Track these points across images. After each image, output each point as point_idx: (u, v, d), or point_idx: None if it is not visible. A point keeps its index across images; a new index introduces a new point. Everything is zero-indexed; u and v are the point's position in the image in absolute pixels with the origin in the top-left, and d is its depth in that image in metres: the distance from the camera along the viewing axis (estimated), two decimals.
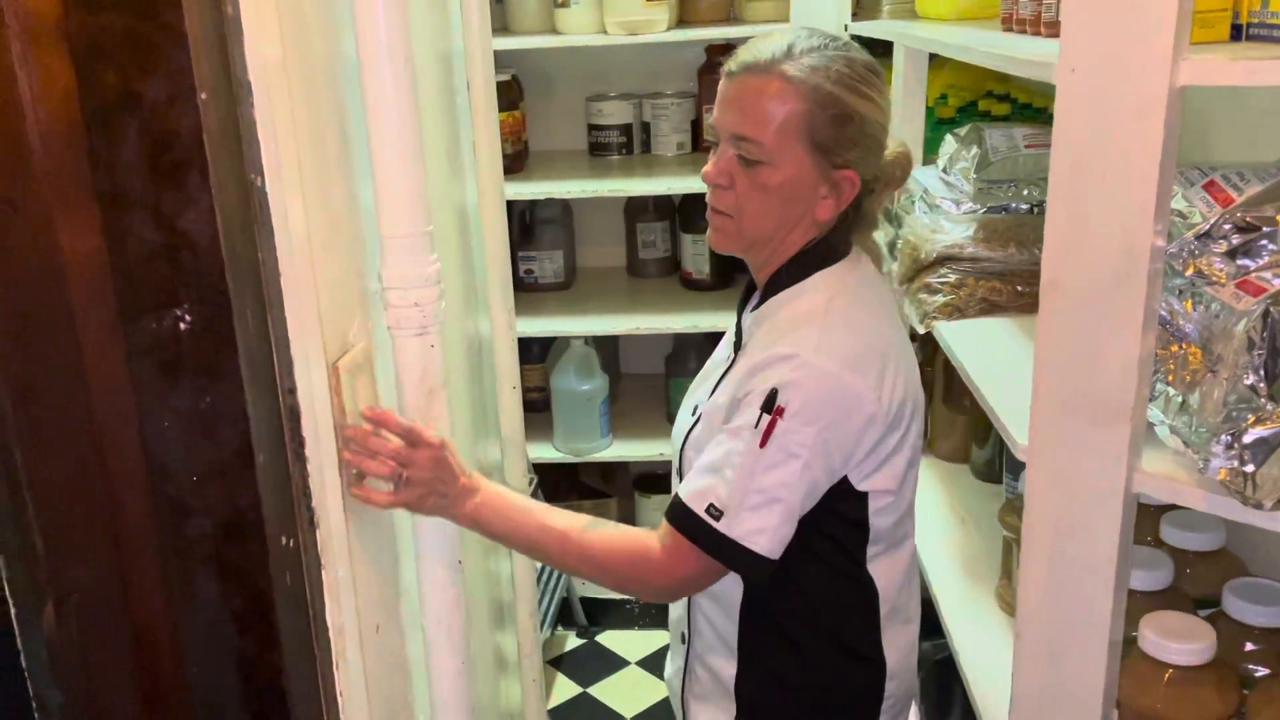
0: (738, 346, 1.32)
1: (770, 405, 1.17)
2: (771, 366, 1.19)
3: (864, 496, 1.22)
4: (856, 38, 2.38)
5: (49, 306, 0.81)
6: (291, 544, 0.93)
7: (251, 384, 0.86)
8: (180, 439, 0.85)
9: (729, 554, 1.19)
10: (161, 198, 0.79)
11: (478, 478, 1.24)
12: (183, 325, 0.82)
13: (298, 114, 0.96)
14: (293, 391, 0.93)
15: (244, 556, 0.88)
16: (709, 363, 1.42)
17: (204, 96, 0.78)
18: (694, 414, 1.33)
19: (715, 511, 1.18)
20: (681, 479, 1.32)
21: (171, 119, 0.77)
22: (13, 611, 0.91)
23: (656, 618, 2.91)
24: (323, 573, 0.98)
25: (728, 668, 1.32)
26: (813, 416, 1.16)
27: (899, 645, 1.33)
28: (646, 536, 1.24)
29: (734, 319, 1.40)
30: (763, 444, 1.16)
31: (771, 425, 1.16)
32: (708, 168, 1.26)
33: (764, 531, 1.18)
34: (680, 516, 1.21)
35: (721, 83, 1.25)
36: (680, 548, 1.20)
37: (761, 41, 1.24)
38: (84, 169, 0.78)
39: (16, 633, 0.91)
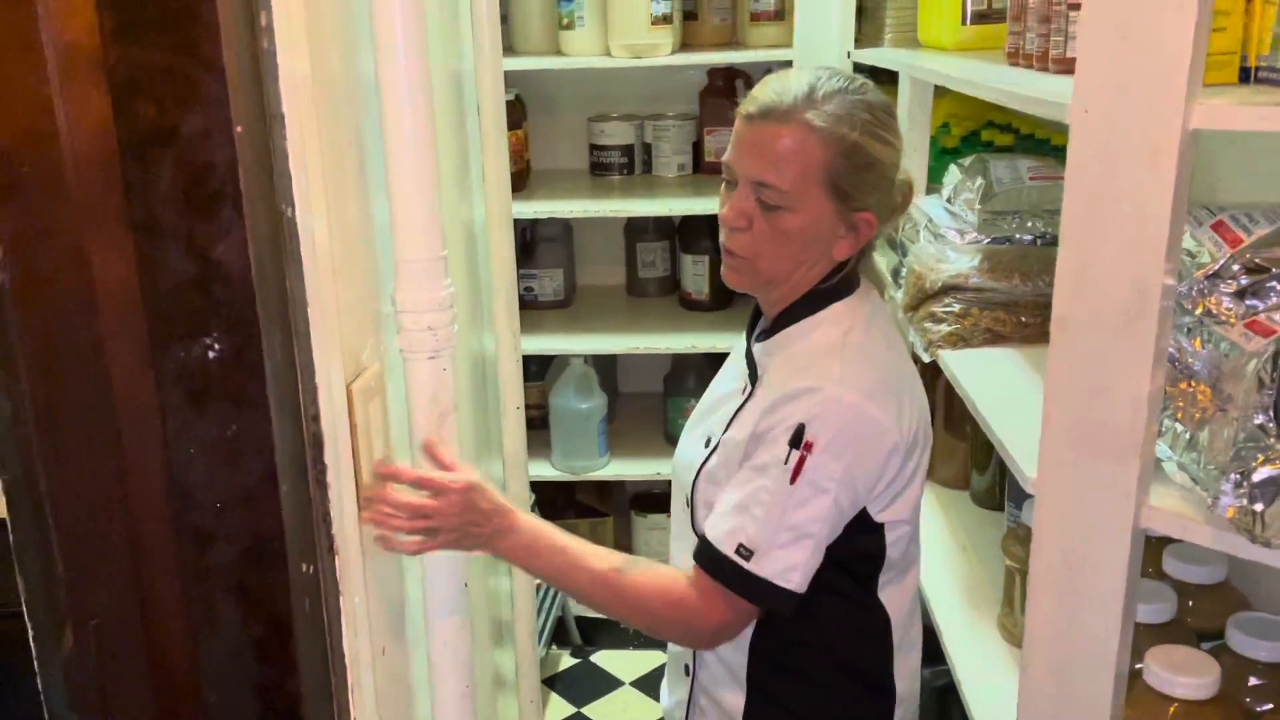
0: (753, 378, 1.31)
1: (799, 440, 1.16)
2: (795, 400, 1.18)
3: (880, 528, 1.23)
4: (861, 67, 2.40)
5: (80, 334, 0.82)
6: (311, 571, 0.94)
7: (277, 412, 0.87)
8: (206, 466, 0.85)
9: (760, 593, 1.18)
10: (195, 229, 0.79)
11: (513, 515, 1.22)
12: (211, 354, 0.83)
13: (322, 139, 0.97)
14: (316, 419, 0.93)
15: (265, 584, 0.89)
16: (716, 389, 1.40)
17: (239, 129, 0.79)
18: (708, 445, 1.32)
19: (745, 551, 1.17)
20: (693, 511, 1.31)
21: (207, 152, 0.78)
22: (31, 634, 0.91)
23: (650, 638, 2.91)
24: (341, 600, 0.98)
25: (735, 700, 1.31)
26: (841, 450, 1.16)
27: (906, 671, 1.33)
28: (683, 580, 1.22)
29: (733, 340, 1.40)
30: (793, 480, 1.16)
31: (801, 461, 1.15)
32: (725, 210, 1.25)
33: (796, 568, 1.17)
34: (709, 559, 1.20)
35: (739, 124, 1.24)
36: (712, 591, 1.19)
37: (779, 82, 1.23)
38: (119, 200, 0.79)
39: (34, 656, 0.91)
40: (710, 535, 1.20)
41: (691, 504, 1.32)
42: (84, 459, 0.85)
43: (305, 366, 0.91)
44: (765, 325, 1.33)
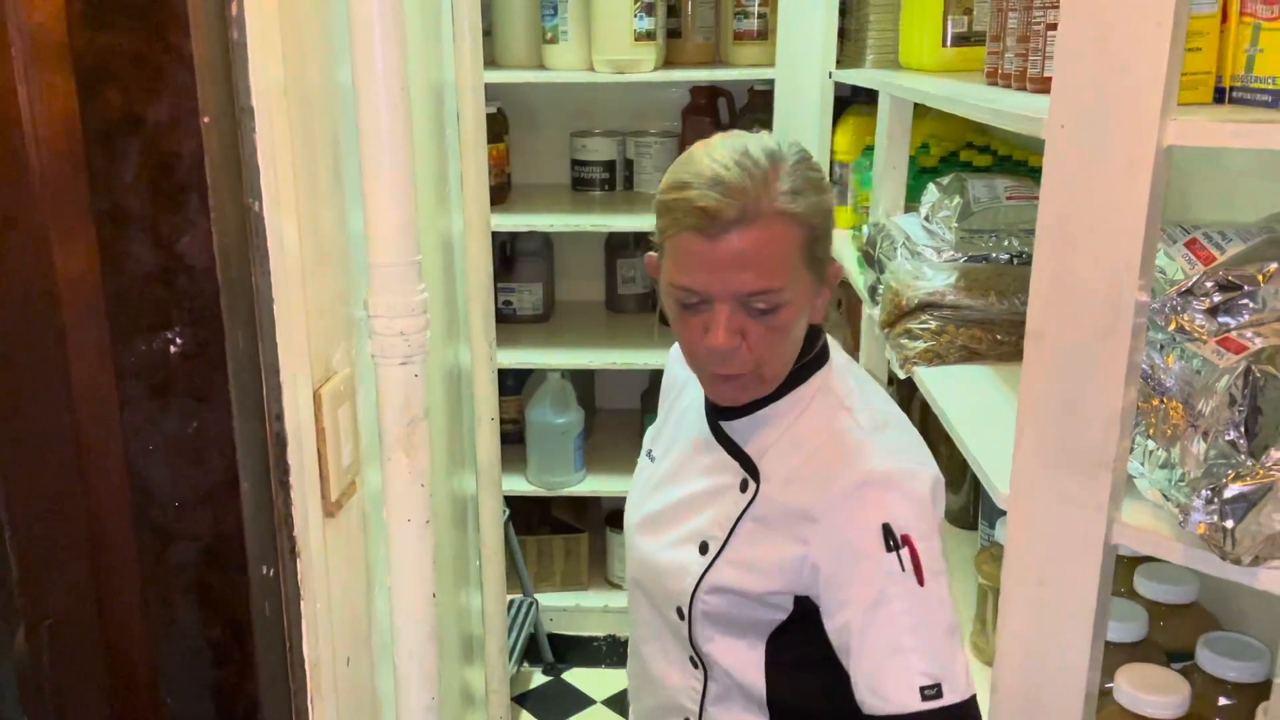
0: (748, 470, 1.18)
1: (894, 541, 1.05)
2: (852, 505, 1.08)
3: None
4: (847, 86, 2.42)
5: (40, 325, 0.80)
6: (272, 573, 0.92)
7: (240, 409, 0.85)
8: (165, 463, 0.84)
9: (971, 716, 1.08)
10: (160, 220, 0.78)
11: None
12: (174, 348, 0.81)
13: (294, 139, 0.96)
14: (280, 418, 0.92)
15: (224, 585, 0.87)
16: (687, 482, 1.24)
17: (207, 120, 0.78)
18: (704, 551, 1.18)
19: (931, 690, 1.04)
20: (691, 626, 1.18)
21: (173, 141, 0.77)
22: None
23: (624, 656, 2.88)
24: (302, 604, 0.96)
25: None
26: (930, 525, 1.09)
27: None
28: None
29: None
30: (921, 581, 1.05)
31: (915, 557, 1.05)
32: (712, 338, 1.09)
33: (967, 665, 1.08)
34: None
35: (692, 243, 1.08)
36: None
37: (708, 183, 1.07)
38: (82, 189, 0.77)
39: None
40: (886, 709, 1.05)
41: (689, 617, 1.19)
42: (41, 452, 0.83)
43: (270, 364, 0.90)
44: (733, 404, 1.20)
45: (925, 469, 1.13)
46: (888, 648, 1.06)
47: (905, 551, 1.05)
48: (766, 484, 1.16)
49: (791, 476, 1.14)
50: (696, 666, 1.23)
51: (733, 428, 1.21)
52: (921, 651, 1.05)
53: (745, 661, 1.19)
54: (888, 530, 1.06)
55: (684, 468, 1.27)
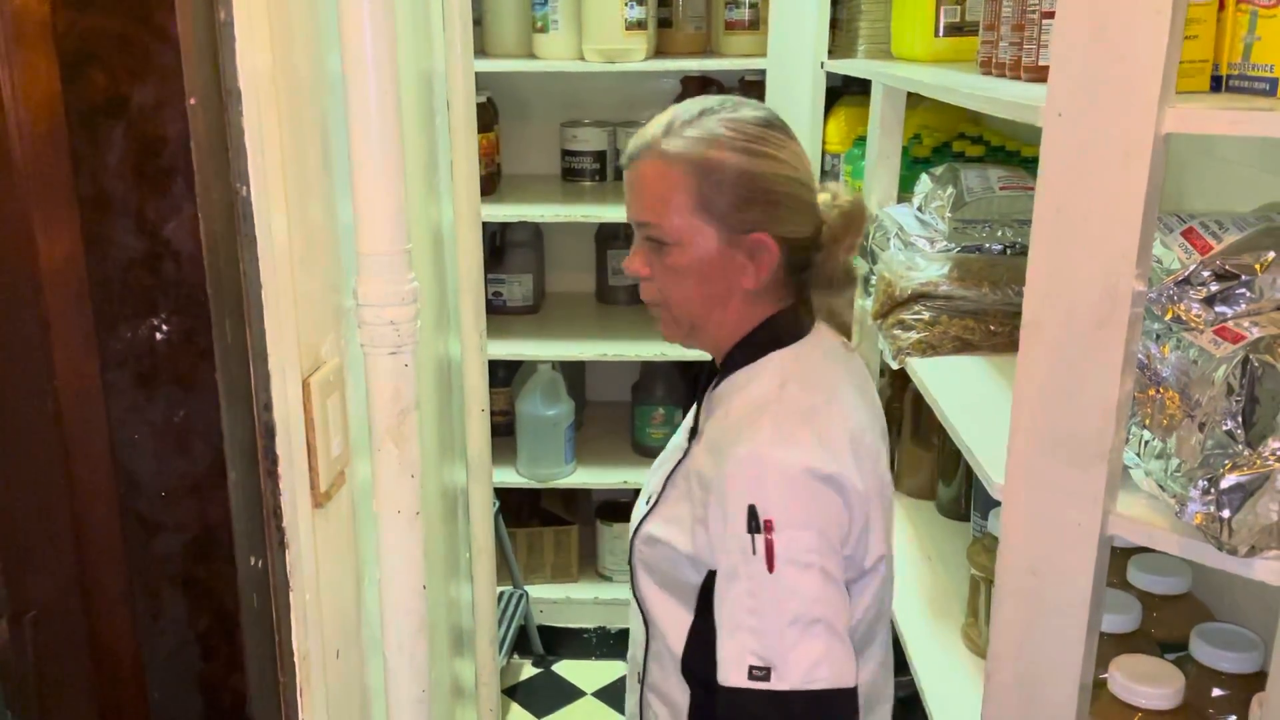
0: (693, 434, 1.24)
1: (755, 523, 1.06)
2: (732, 476, 1.10)
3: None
4: (839, 77, 2.41)
5: (22, 311, 0.79)
6: (260, 565, 0.91)
7: (227, 398, 0.84)
8: (151, 453, 0.82)
9: (802, 709, 1.05)
10: (145, 204, 0.77)
11: None
12: (159, 335, 0.80)
13: (283, 125, 0.95)
14: (268, 408, 0.90)
15: (212, 576, 0.86)
16: (672, 439, 1.34)
17: (193, 102, 0.76)
18: (648, 502, 1.26)
19: (760, 671, 1.05)
20: (633, 573, 1.25)
21: (159, 124, 0.75)
22: None
23: (614, 648, 2.89)
24: (290, 595, 0.95)
25: (682, 698, 1.22)
26: (804, 517, 1.08)
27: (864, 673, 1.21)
28: None
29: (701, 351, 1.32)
30: (771, 567, 1.05)
31: (769, 544, 1.05)
32: (626, 261, 1.23)
33: (820, 661, 1.05)
34: (730, 703, 1.07)
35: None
36: None
37: (647, 125, 1.21)
38: (66, 173, 0.76)
39: None
40: (719, 679, 1.08)
41: (631, 564, 1.25)
42: (24, 441, 0.82)
43: (258, 352, 0.88)
44: (717, 377, 1.25)
45: (816, 462, 1.09)
46: (729, 622, 1.09)
47: (760, 538, 1.06)
48: (697, 444, 1.21)
49: (709, 443, 1.18)
50: (642, 622, 1.28)
51: (708, 396, 1.26)
52: (758, 633, 1.07)
53: (673, 621, 1.21)
54: (752, 511, 1.07)
55: (677, 433, 1.34)
